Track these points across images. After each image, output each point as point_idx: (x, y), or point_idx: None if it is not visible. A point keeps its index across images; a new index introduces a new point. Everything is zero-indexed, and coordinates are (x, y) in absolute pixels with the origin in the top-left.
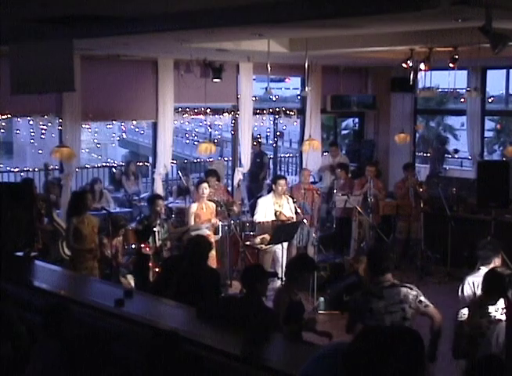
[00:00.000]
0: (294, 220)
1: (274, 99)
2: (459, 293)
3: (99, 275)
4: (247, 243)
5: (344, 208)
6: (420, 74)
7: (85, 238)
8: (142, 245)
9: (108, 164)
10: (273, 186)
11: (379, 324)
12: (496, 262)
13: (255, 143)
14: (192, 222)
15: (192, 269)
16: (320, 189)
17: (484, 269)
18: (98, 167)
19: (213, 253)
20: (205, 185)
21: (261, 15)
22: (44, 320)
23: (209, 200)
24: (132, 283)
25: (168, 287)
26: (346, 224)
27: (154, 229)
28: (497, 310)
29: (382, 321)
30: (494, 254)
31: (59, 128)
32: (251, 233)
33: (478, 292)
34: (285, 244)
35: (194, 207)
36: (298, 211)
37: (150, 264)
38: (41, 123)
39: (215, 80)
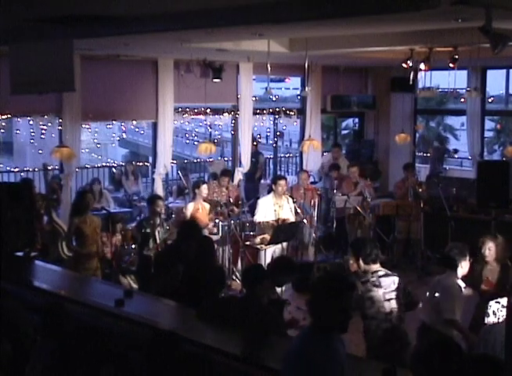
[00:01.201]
0: (293, 220)
1: (274, 99)
2: None
3: (101, 275)
4: (247, 243)
5: (344, 208)
6: (420, 74)
7: (87, 238)
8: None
9: (108, 164)
10: (273, 186)
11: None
12: (463, 265)
13: (255, 143)
14: None
15: (199, 266)
16: (320, 189)
17: (449, 272)
18: (98, 167)
19: None
20: (205, 186)
21: (261, 15)
22: (41, 320)
23: (204, 201)
24: (132, 283)
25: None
26: (345, 224)
27: (157, 230)
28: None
29: (383, 308)
30: (461, 257)
31: (59, 128)
32: (251, 233)
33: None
34: (285, 244)
35: (191, 207)
36: (298, 211)
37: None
38: (41, 123)
39: (215, 80)
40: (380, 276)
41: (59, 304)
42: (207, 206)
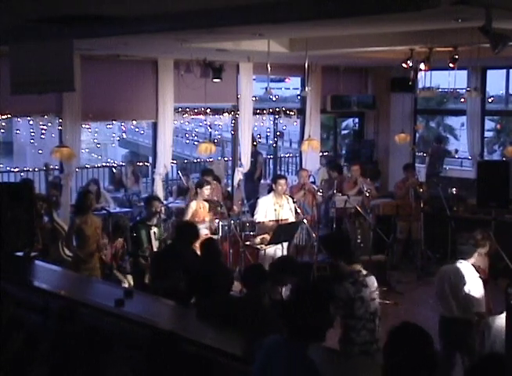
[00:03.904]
0: (293, 220)
1: (274, 99)
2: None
3: (101, 275)
4: (247, 243)
5: (344, 209)
6: (420, 74)
7: (88, 238)
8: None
9: (108, 164)
10: (273, 185)
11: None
12: (476, 255)
13: (254, 143)
14: (188, 218)
15: (207, 267)
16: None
17: (464, 262)
18: (98, 167)
19: None
20: (207, 187)
21: (261, 15)
22: (54, 323)
23: (205, 200)
24: (132, 283)
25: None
26: (345, 224)
27: (153, 230)
28: None
29: (369, 307)
30: (476, 248)
31: (59, 128)
32: (251, 233)
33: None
34: (285, 244)
35: (194, 204)
36: (298, 211)
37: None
38: (41, 123)
39: (215, 80)
40: (365, 276)
41: (73, 307)
42: (206, 205)
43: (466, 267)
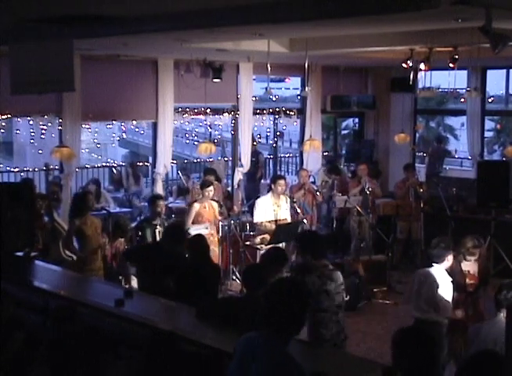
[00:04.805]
0: (291, 221)
1: (274, 99)
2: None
3: (104, 275)
4: (247, 243)
5: (344, 209)
6: (420, 74)
7: (89, 239)
8: None
9: (108, 164)
10: (272, 185)
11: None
12: (449, 258)
13: (254, 143)
14: (190, 221)
15: (195, 265)
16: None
17: (437, 266)
18: (98, 167)
19: (215, 249)
20: (211, 188)
21: (261, 15)
22: (56, 323)
23: (212, 200)
24: (133, 284)
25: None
26: (345, 224)
27: (157, 230)
28: None
29: (333, 301)
30: (447, 251)
31: (59, 128)
32: (251, 233)
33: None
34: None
35: (197, 206)
36: (298, 211)
37: None
38: (41, 123)
39: (215, 80)
40: (331, 270)
41: (72, 308)
42: (215, 204)
43: (438, 271)
